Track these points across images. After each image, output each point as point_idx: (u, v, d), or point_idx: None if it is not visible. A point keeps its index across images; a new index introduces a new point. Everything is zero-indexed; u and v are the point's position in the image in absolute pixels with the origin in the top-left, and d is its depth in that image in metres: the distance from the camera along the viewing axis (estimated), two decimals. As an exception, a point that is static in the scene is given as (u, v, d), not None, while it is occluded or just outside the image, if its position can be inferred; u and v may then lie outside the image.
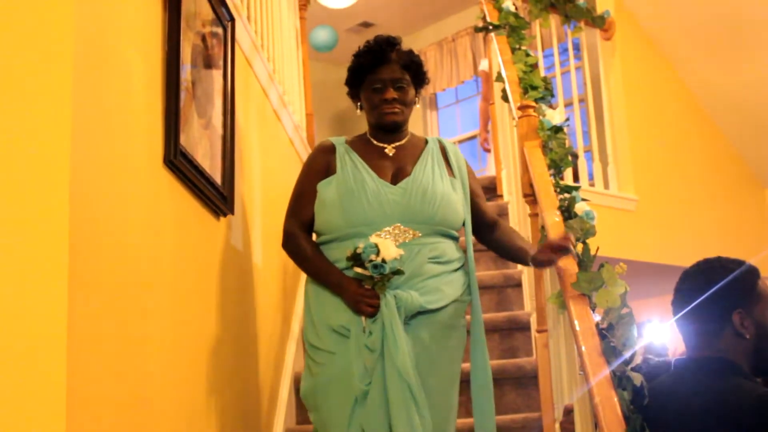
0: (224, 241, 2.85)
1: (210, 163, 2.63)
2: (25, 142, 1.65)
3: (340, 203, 2.65)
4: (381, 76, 2.74)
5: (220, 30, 2.86)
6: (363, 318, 2.54)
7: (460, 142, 9.19)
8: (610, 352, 2.34)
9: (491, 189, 5.52)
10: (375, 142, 2.82)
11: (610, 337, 2.38)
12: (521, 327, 4.14)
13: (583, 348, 2.37)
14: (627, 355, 2.32)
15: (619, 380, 2.24)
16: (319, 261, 2.68)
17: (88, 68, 1.78)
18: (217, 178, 2.69)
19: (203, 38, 2.66)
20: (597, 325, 2.46)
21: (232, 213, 2.84)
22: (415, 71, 2.81)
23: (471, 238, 2.83)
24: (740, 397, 2.01)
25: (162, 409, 2.12)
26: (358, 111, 2.86)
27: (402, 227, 2.63)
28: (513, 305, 4.41)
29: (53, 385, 1.56)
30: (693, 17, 6.36)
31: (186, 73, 2.42)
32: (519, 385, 3.85)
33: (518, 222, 4.48)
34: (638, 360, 2.51)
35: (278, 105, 4.07)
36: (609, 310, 2.47)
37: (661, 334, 6.23)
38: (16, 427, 1.54)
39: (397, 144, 2.80)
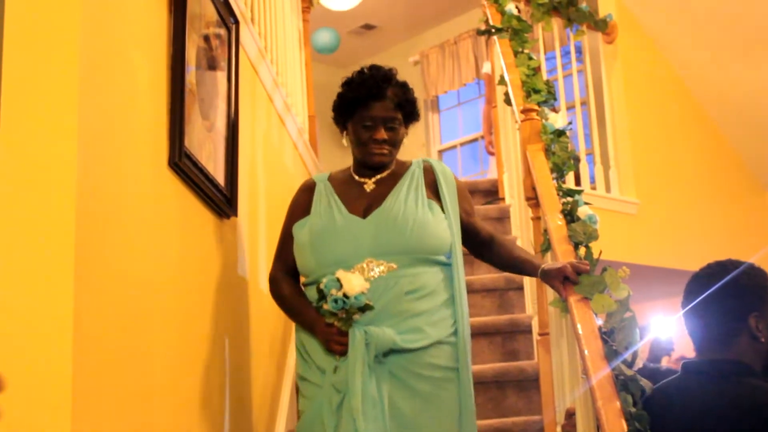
0: (228, 242, 2.86)
1: (214, 165, 2.63)
2: (31, 144, 1.65)
3: (311, 244, 2.55)
4: (373, 113, 2.60)
5: (224, 32, 2.87)
6: (337, 357, 2.43)
7: (462, 144, 9.20)
8: (612, 355, 2.35)
9: (493, 192, 5.52)
10: (357, 177, 2.68)
11: (611, 341, 2.39)
12: (523, 330, 4.15)
13: (586, 351, 2.37)
14: (629, 358, 2.32)
15: (622, 383, 2.25)
16: (295, 301, 2.61)
17: (94, 70, 1.79)
18: (221, 180, 2.70)
19: (207, 40, 2.66)
20: (600, 328, 2.46)
21: (236, 215, 2.84)
22: (408, 109, 2.66)
23: (461, 263, 2.63)
24: (758, 397, 2.01)
25: (165, 408, 2.13)
26: (344, 141, 2.72)
27: (375, 261, 2.48)
28: (514, 308, 4.41)
29: (59, 384, 1.57)
30: (695, 21, 6.37)
31: (190, 75, 2.43)
32: (520, 388, 3.86)
33: (520, 225, 4.49)
34: (639, 364, 2.51)
35: (283, 109, 4.08)
36: (611, 313, 2.48)
37: (667, 329, 6.24)
38: (22, 425, 1.54)
39: (378, 177, 2.67)
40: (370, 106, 2.60)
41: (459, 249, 2.63)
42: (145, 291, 2.02)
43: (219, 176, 2.68)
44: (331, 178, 2.72)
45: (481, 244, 2.76)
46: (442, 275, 2.57)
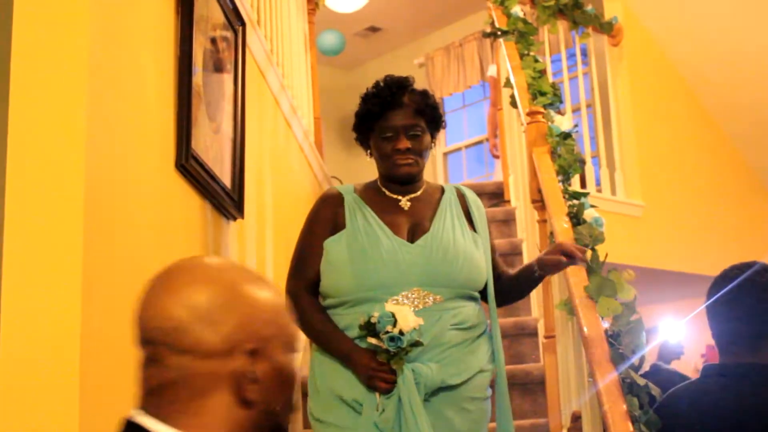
0: (234, 243, 2.86)
1: (220, 167, 2.64)
2: (40, 145, 1.66)
3: (351, 264, 2.36)
4: (392, 122, 2.45)
5: (230, 34, 2.87)
6: (377, 394, 2.26)
7: (467, 147, 9.20)
8: (618, 358, 2.35)
9: (499, 194, 5.52)
10: (388, 193, 2.51)
11: (617, 344, 2.39)
12: (529, 333, 4.15)
13: (592, 354, 2.38)
14: (636, 362, 2.32)
15: (629, 387, 2.25)
16: (326, 328, 2.37)
17: (102, 72, 1.79)
18: (227, 182, 2.70)
19: (214, 42, 2.67)
20: (606, 331, 2.46)
21: (242, 217, 2.85)
22: (431, 115, 2.51)
23: (493, 298, 2.52)
24: None
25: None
26: (369, 158, 2.57)
27: (422, 291, 2.34)
28: (520, 311, 4.41)
29: (67, 385, 1.57)
30: (701, 24, 6.36)
31: (197, 77, 2.43)
32: (526, 391, 3.85)
33: (526, 228, 4.48)
34: (646, 367, 2.50)
35: (289, 112, 4.09)
36: (618, 316, 2.48)
37: (675, 332, 6.22)
38: (30, 426, 1.55)
39: (412, 196, 2.51)
40: (388, 116, 2.45)
41: (492, 283, 2.52)
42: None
43: (226, 178, 2.68)
44: (358, 192, 2.52)
45: (496, 279, 2.55)
46: (478, 308, 2.48)
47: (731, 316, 2.08)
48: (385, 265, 2.34)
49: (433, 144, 2.54)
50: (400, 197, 2.50)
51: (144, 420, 1.06)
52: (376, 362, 2.26)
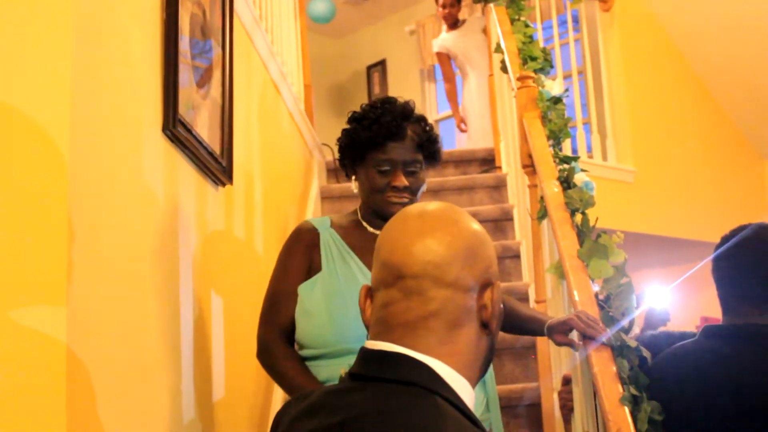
0: (224, 210, 2.85)
1: (209, 132, 2.62)
2: (22, 110, 1.64)
3: (328, 312, 2.16)
4: (391, 156, 2.22)
5: (218, -1, 2.84)
6: None
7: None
8: (608, 321, 2.35)
9: (489, 161, 5.51)
10: (370, 229, 2.31)
11: (607, 307, 2.39)
12: (520, 298, 4.15)
13: (582, 317, 2.38)
14: (626, 324, 2.33)
15: (618, 349, 2.25)
16: (303, 381, 2.14)
17: (87, 37, 1.77)
18: (216, 148, 2.68)
19: (201, 7, 2.64)
20: (596, 295, 2.47)
21: (231, 183, 2.83)
22: (429, 149, 2.29)
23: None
24: None
25: (161, 369, 2.13)
26: (354, 187, 2.33)
27: None
28: (511, 276, 4.42)
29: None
30: (693, -12, 6.34)
31: (184, 42, 2.41)
32: (517, 356, 3.87)
33: (517, 193, 4.48)
34: (636, 331, 2.51)
35: (278, 79, 4.06)
36: (608, 279, 2.48)
37: (662, 298, 6.24)
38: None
39: None
40: (387, 148, 2.22)
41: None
42: (139, 257, 2.02)
43: (214, 144, 2.66)
44: (336, 226, 2.31)
45: None
46: None
47: (735, 277, 2.07)
48: None
49: (426, 179, 2.31)
50: None
51: (400, 349, 1.16)
52: None
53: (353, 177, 2.33)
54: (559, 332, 2.25)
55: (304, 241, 2.27)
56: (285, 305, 2.23)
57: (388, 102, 2.27)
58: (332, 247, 2.24)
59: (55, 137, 1.62)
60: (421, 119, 2.30)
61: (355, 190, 2.33)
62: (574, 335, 2.31)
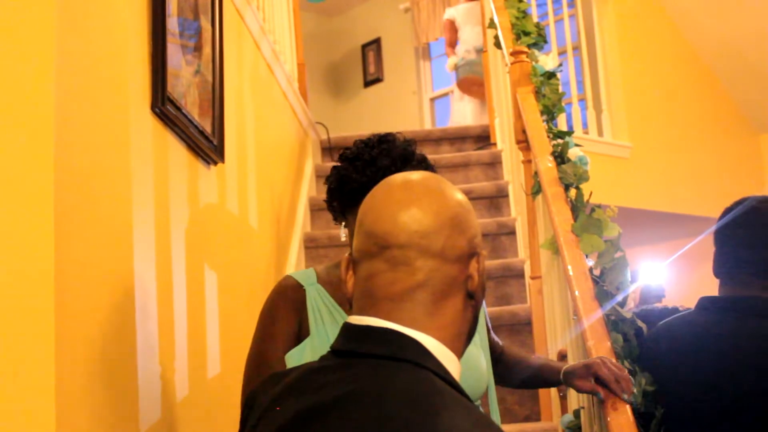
0: (216, 188, 2.83)
1: (199, 111, 2.60)
2: (6, 88, 1.62)
3: None
4: None
5: (207, -24, 2.81)
6: None
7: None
8: (603, 295, 2.34)
9: (485, 137, 5.49)
10: None
11: (602, 282, 2.38)
12: (515, 274, 4.16)
13: (577, 292, 2.37)
14: (619, 297, 2.32)
15: (613, 324, 2.24)
16: None
17: (73, 15, 1.75)
18: (207, 126, 2.66)
19: (190, -16, 2.61)
20: (590, 269, 2.46)
21: (223, 161, 2.81)
22: None
23: (495, 397, 2.15)
24: None
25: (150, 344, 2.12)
26: (342, 234, 2.09)
27: None
28: (507, 252, 4.41)
29: (41, 328, 1.55)
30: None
31: (172, 19, 2.39)
32: (513, 332, 3.87)
33: (511, 169, 4.47)
34: (631, 305, 2.50)
35: (270, 57, 4.04)
36: (602, 254, 2.47)
37: (657, 274, 6.25)
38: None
39: None
40: None
41: (491, 372, 2.10)
42: (129, 237, 2.00)
43: (205, 123, 2.64)
44: (323, 282, 2.02)
45: (495, 361, 2.19)
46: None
47: (735, 248, 2.05)
48: None
49: None
50: None
51: (388, 324, 1.13)
52: None
53: (343, 223, 2.07)
54: (582, 377, 2.01)
55: (291, 303, 1.99)
56: (271, 371, 1.90)
57: (386, 141, 2.02)
58: (321, 306, 1.98)
59: (41, 116, 1.61)
60: (422, 161, 2.03)
61: (344, 238, 2.08)
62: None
